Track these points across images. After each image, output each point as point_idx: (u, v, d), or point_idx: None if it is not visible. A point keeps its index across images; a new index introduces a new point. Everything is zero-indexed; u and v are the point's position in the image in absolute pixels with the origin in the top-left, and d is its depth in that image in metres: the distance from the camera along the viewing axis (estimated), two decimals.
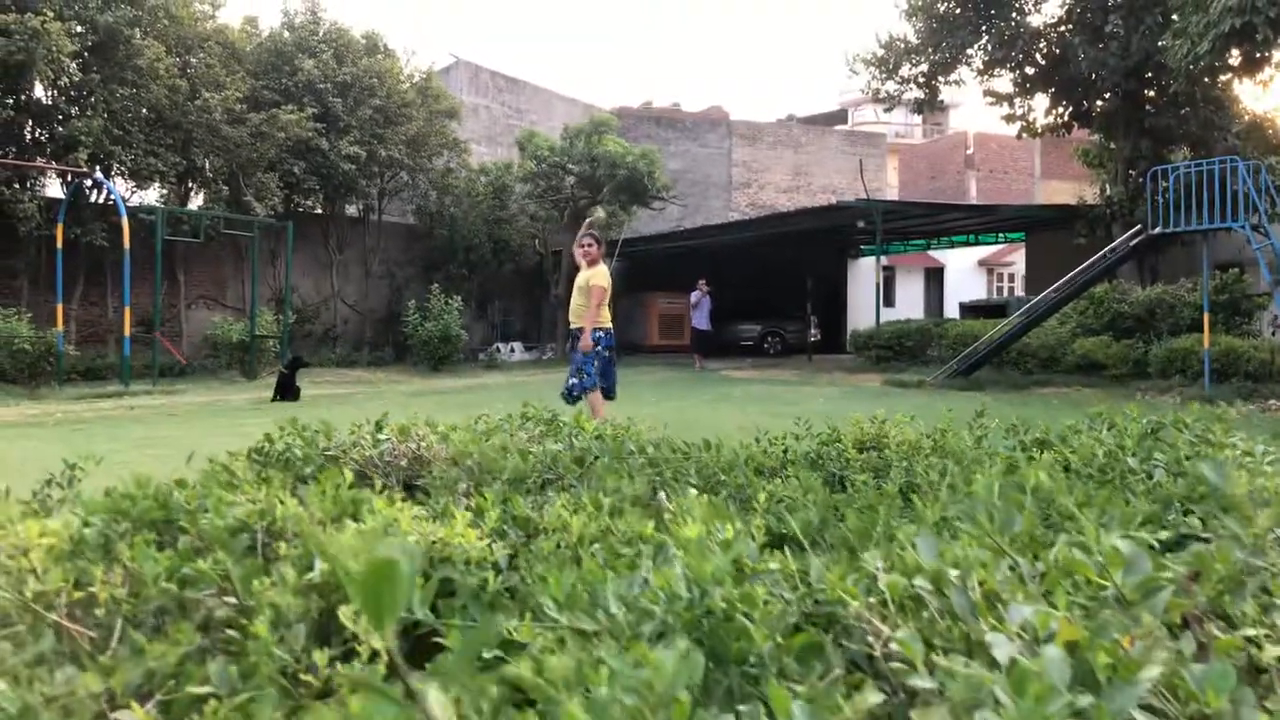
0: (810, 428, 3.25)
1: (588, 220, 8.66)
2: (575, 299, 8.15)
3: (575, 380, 7.90)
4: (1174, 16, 12.54)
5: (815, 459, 2.91)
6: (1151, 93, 18.84)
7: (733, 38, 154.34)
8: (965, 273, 33.83)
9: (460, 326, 20.20)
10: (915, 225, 24.81)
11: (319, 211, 21.56)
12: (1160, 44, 13.86)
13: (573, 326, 8.13)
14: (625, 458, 2.41)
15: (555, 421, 2.89)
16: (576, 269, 8.30)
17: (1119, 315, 14.79)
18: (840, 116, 51.81)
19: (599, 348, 7.98)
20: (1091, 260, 13.99)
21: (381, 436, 2.46)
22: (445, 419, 2.89)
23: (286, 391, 12.67)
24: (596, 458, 2.26)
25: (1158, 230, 12.43)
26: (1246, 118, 16.43)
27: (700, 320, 20.66)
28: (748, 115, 55.99)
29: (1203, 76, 12.71)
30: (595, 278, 8.03)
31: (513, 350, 24.88)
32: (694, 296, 20.58)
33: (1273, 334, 13.63)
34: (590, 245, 8.23)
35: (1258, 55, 11.57)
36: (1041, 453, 2.60)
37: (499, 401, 12.93)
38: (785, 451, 2.97)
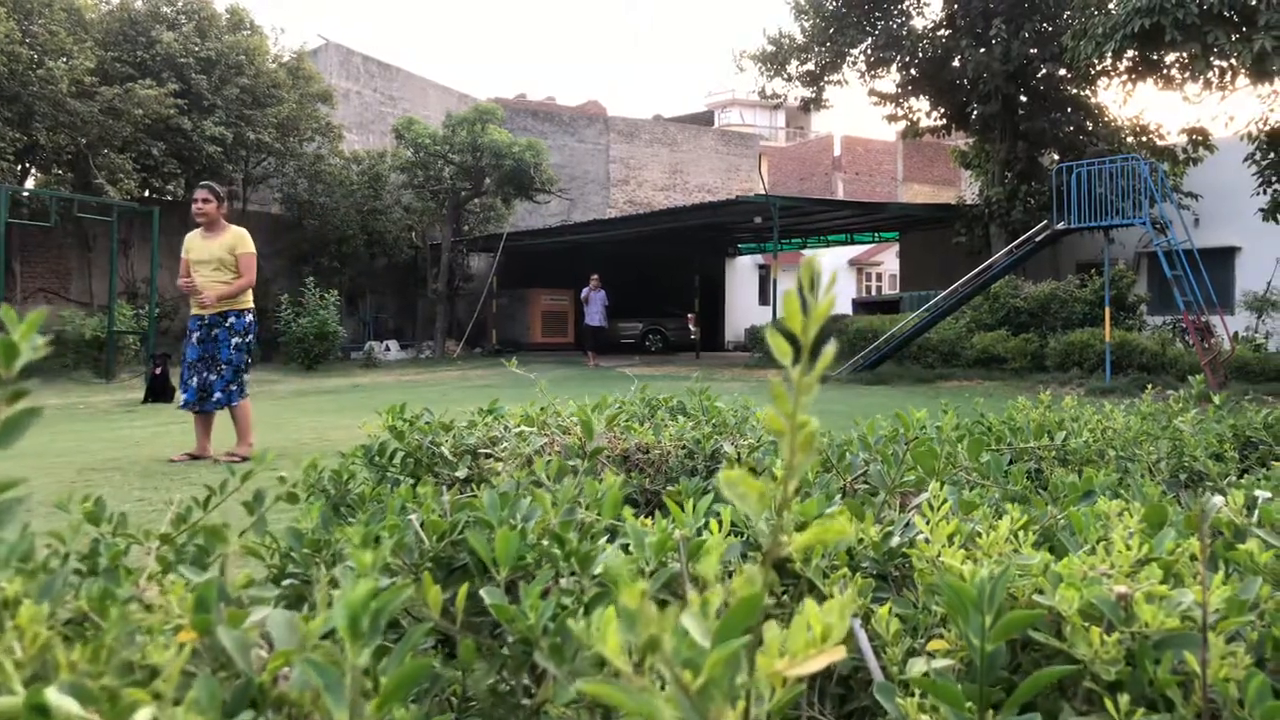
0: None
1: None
2: (211, 274, 6.33)
3: (235, 387, 6.40)
4: (1068, 15, 12.90)
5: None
6: (1025, 98, 19.54)
7: (600, 37, 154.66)
8: (837, 271, 34.52)
9: (336, 323, 18.96)
10: (802, 223, 24.99)
11: (176, 198, 19.80)
12: (1063, 39, 14.03)
13: (212, 312, 6.33)
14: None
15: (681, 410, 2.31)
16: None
17: (1014, 310, 15.14)
18: (707, 118, 52.30)
19: (193, 337, 6.44)
20: (997, 255, 14.24)
21: (533, 425, 1.84)
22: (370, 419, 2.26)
23: (160, 393, 11.42)
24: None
25: (1062, 225, 12.73)
26: (1122, 124, 17.09)
27: (593, 316, 20.12)
28: (620, 114, 55.75)
29: (1100, 77, 13.18)
30: (244, 242, 6.44)
31: (387, 349, 23.65)
32: (584, 292, 20.04)
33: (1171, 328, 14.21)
34: (209, 200, 6.40)
35: (1155, 57, 12.00)
36: None
37: (409, 399, 11.94)
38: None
